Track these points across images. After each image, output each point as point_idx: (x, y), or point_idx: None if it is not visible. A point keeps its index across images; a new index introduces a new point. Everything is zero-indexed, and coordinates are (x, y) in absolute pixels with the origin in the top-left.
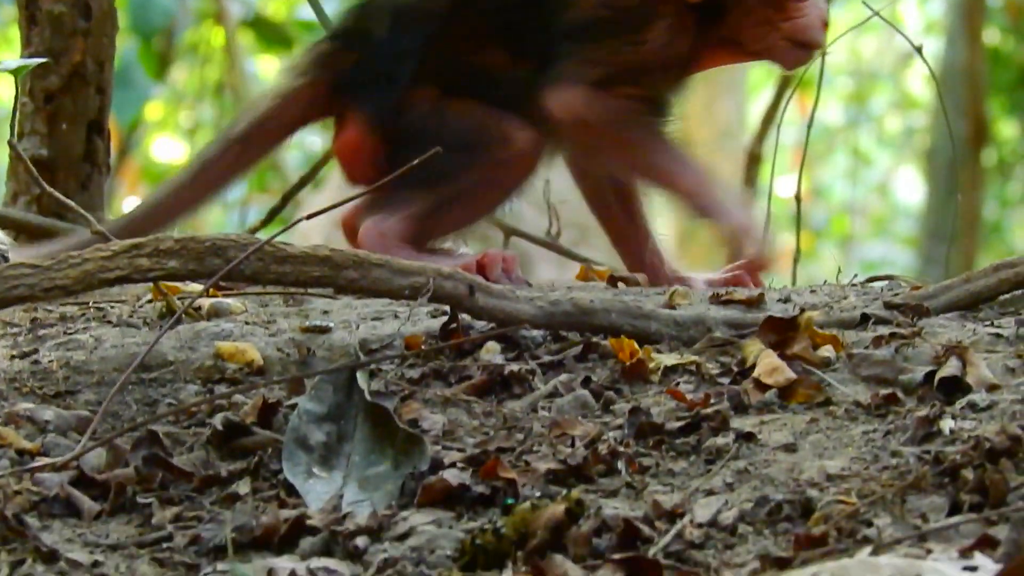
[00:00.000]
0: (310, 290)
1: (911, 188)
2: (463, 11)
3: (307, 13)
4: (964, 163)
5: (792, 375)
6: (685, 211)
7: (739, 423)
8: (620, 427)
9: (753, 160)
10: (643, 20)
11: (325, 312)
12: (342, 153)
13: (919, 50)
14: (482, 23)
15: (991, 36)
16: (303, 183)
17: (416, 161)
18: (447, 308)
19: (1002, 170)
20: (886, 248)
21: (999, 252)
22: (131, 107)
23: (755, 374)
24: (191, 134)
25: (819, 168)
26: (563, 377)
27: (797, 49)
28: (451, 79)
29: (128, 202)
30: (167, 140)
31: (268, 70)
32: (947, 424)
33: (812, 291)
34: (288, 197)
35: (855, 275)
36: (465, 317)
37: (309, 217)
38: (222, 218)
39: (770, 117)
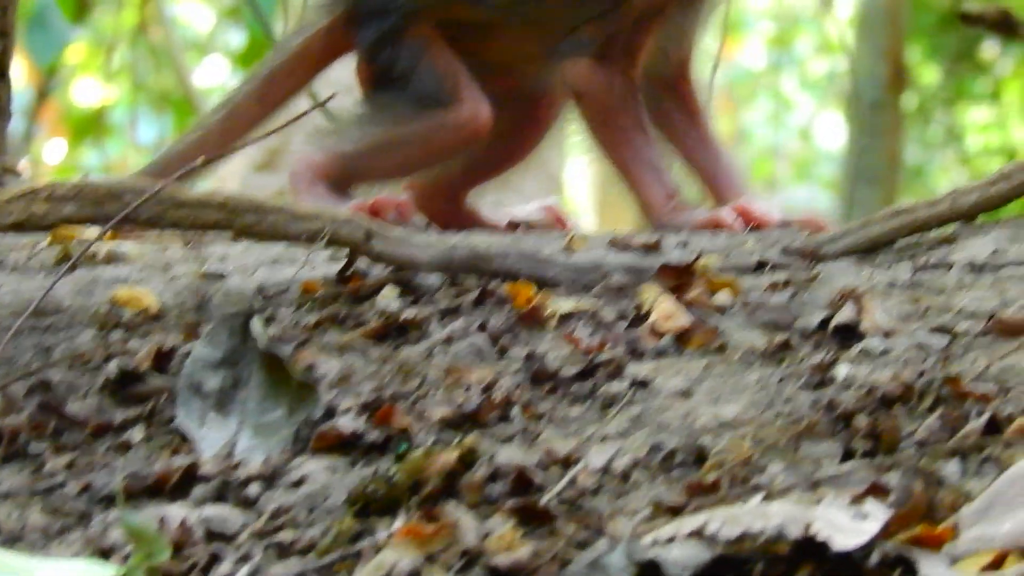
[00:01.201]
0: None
1: (834, 132)
2: None
3: None
4: (884, 106)
5: (687, 320)
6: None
7: (634, 369)
8: (515, 373)
9: None
10: None
11: (222, 257)
12: (358, 79)
13: None
14: None
15: None
16: None
17: (307, 111)
18: (344, 252)
19: (923, 114)
20: (809, 192)
21: (921, 195)
22: (49, 51)
23: (651, 320)
24: (113, 77)
25: (742, 112)
26: (459, 322)
27: None
28: (445, 4)
29: (49, 146)
30: (89, 83)
31: (188, 14)
32: (841, 370)
33: (712, 236)
34: None
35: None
36: (363, 262)
37: (206, 163)
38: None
39: None
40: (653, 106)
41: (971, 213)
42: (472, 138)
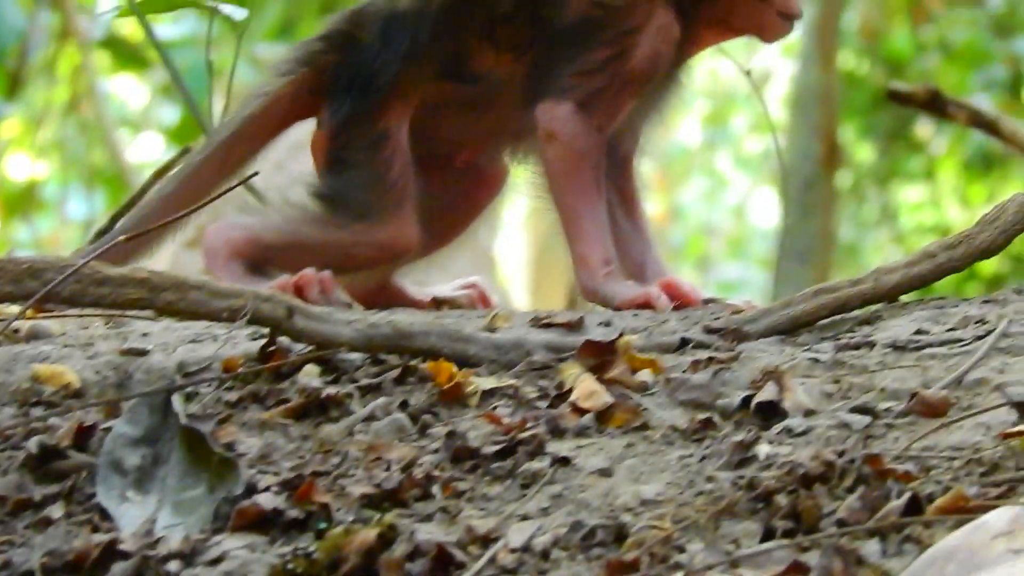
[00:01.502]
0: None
1: (768, 210)
2: (453, 16)
3: (163, 32)
4: (818, 184)
5: (609, 399)
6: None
7: (555, 447)
8: (436, 451)
9: None
10: (635, 20)
11: (145, 334)
12: (313, 151)
13: (748, 74)
14: (472, 21)
15: (846, 59)
16: (130, 204)
17: (228, 188)
18: (266, 330)
19: (858, 192)
20: (742, 269)
21: (854, 273)
22: None
23: (572, 398)
24: (45, 153)
25: (677, 189)
26: (381, 400)
27: (785, 22)
28: (432, 83)
29: None
30: (21, 159)
31: (121, 90)
32: (762, 449)
33: (634, 314)
34: (117, 217)
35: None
36: (285, 339)
37: (129, 239)
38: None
39: None
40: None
41: (894, 293)
42: (394, 258)
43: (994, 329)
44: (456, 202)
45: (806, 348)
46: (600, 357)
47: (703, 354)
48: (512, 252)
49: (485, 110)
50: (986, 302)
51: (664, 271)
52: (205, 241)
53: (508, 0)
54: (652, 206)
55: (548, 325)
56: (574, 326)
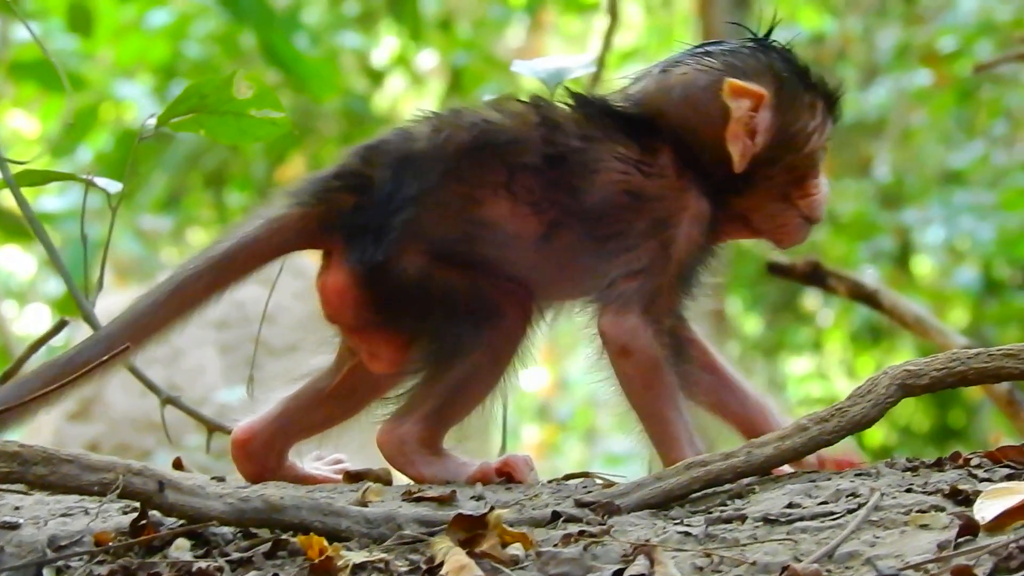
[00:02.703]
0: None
1: None
2: (470, 161)
3: (49, 205)
4: None
5: (479, 573)
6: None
7: None
8: None
9: None
10: (670, 209)
11: (16, 508)
12: (326, 293)
13: None
14: (488, 173)
15: None
16: (20, 362)
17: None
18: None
19: (745, 364)
20: (630, 442)
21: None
22: None
23: (443, 572)
24: None
25: (564, 361)
26: (252, 575)
27: (807, 226)
28: (443, 235)
29: None
30: None
31: (8, 261)
32: None
33: (507, 488)
34: (8, 375)
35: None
36: (156, 513)
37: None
38: None
39: None
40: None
41: (766, 466)
42: (527, 330)
43: (866, 502)
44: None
45: (677, 522)
46: (471, 531)
47: (574, 528)
48: None
49: (494, 269)
50: (858, 475)
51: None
52: (385, 451)
53: (535, 152)
54: (539, 379)
55: (420, 499)
56: (446, 500)
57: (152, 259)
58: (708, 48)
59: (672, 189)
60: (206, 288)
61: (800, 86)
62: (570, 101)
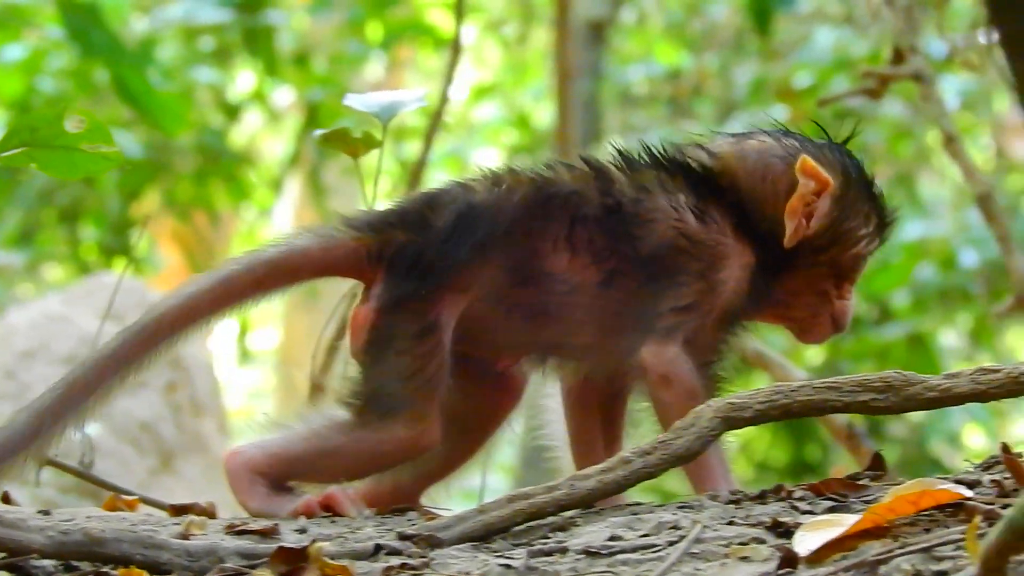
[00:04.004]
0: None
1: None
2: (532, 213)
3: None
4: None
5: None
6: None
7: None
8: None
9: (317, 389)
10: (721, 255)
11: None
12: (353, 324)
13: None
14: (549, 226)
15: None
16: None
17: None
18: None
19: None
20: (490, 478)
21: None
22: None
23: None
24: None
25: None
26: None
27: (832, 329)
28: (496, 280)
29: None
30: None
31: None
32: None
33: (332, 521)
34: None
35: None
36: None
37: None
38: None
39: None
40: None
41: (589, 499)
42: (415, 457)
43: (687, 535)
44: (482, 408)
45: (499, 555)
46: (292, 564)
47: (396, 561)
48: None
49: (550, 319)
50: (681, 507)
51: None
52: (226, 466)
53: (594, 203)
54: None
55: (242, 532)
56: (268, 533)
57: (5, 294)
58: (789, 132)
59: (725, 236)
60: (245, 289)
61: (863, 192)
62: (624, 156)
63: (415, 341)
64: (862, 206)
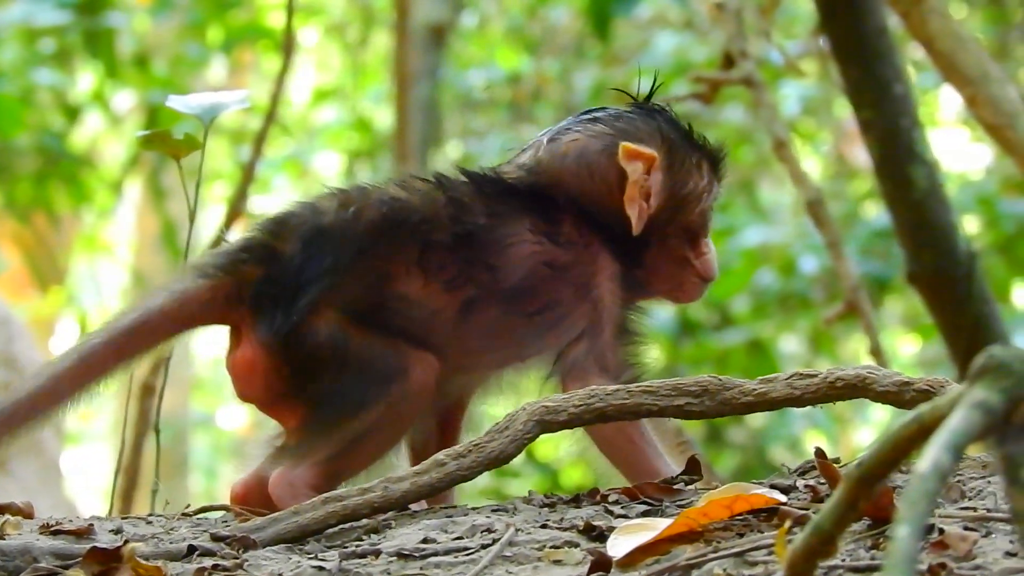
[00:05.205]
0: None
1: None
2: (381, 237)
3: None
4: None
5: None
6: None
7: None
8: None
9: (147, 391)
10: (587, 270)
11: None
12: (236, 369)
13: None
14: (399, 249)
15: None
16: None
17: None
18: None
19: None
20: None
21: None
22: None
23: None
24: None
25: None
26: None
27: (703, 284)
28: (358, 303)
29: None
30: None
31: None
32: None
33: (148, 522)
34: None
35: (187, 505)
36: None
37: None
38: None
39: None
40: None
41: (403, 501)
42: (431, 393)
43: (500, 538)
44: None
45: (312, 556)
46: (105, 564)
47: (209, 562)
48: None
49: (415, 341)
50: (495, 510)
51: None
52: (275, 494)
53: (444, 230)
54: (237, 418)
55: (57, 532)
56: (82, 533)
57: None
58: (595, 114)
59: (584, 254)
60: (109, 361)
61: (687, 147)
62: (465, 179)
63: (336, 344)
64: (691, 160)
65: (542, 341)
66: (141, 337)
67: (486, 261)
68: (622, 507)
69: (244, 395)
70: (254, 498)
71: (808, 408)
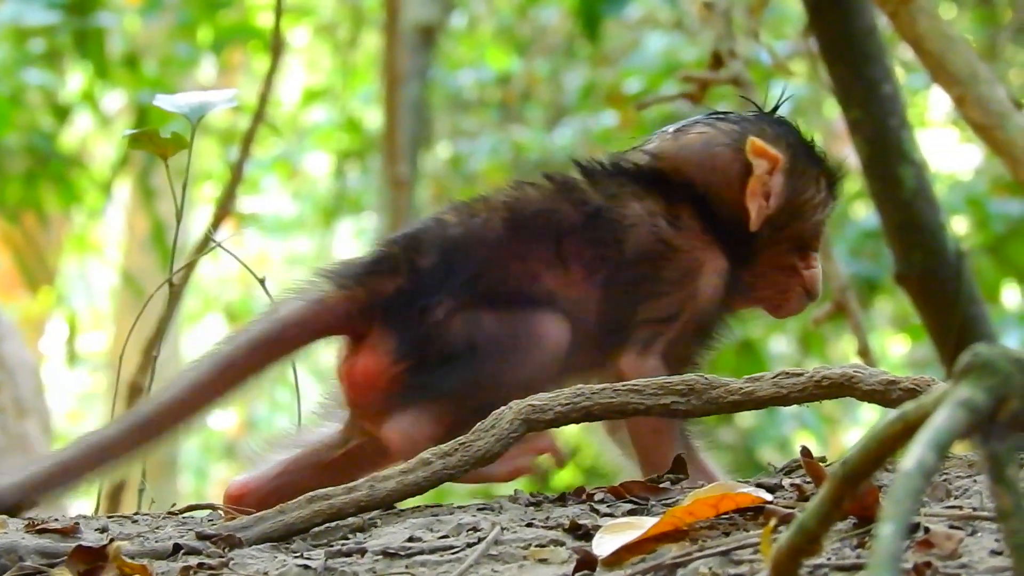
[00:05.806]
0: None
1: None
2: (516, 237)
3: None
4: None
5: None
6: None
7: None
8: None
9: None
10: (696, 260)
11: None
12: (355, 376)
13: (263, 282)
14: (536, 246)
15: None
16: None
17: None
18: None
19: None
20: None
21: None
22: None
23: None
24: None
25: (253, 401)
26: None
27: (806, 299)
28: (494, 301)
29: None
30: None
31: None
32: None
33: (134, 520)
34: None
35: (173, 504)
36: None
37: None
38: None
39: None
40: None
41: (389, 500)
42: (561, 359)
43: (486, 536)
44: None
45: (298, 555)
46: (91, 563)
47: (194, 560)
48: None
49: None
50: (481, 509)
51: None
52: (394, 446)
53: (574, 214)
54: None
55: (43, 531)
56: (68, 531)
57: None
58: (721, 114)
59: (697, 242)
60: (244, 369)
61: (809, 159)
62: (583, 167)
63: (465, 329)
64: (811, 172)
65: (631, 311)
66: (278, 345)
67: (614, 238)
68: (608, 506)
69: (358, 403)
70: (250, 499)
71: (797, 408)
